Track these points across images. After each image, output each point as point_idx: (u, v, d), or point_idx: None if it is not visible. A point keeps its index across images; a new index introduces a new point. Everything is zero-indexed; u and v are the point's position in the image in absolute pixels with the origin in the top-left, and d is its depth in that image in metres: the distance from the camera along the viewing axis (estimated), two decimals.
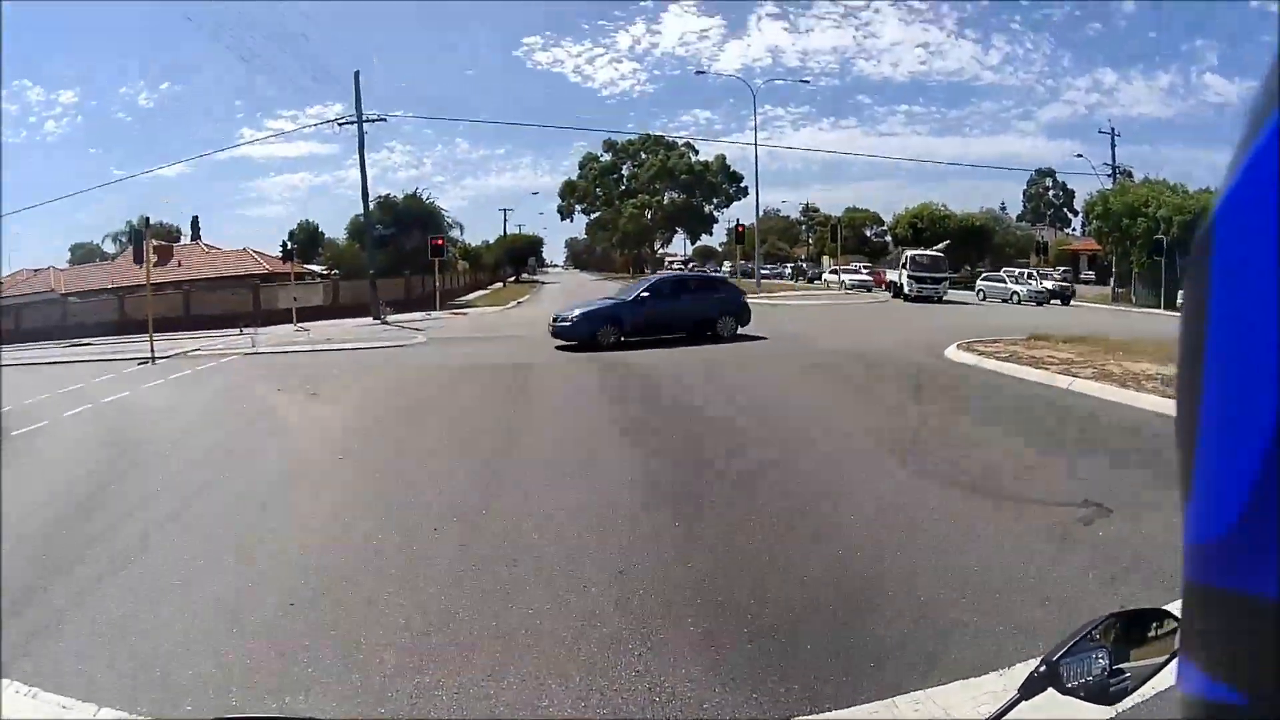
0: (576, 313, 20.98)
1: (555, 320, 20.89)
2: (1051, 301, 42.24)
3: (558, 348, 19.99)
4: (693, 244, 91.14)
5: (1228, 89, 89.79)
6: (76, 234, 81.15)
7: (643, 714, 3.91)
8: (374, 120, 38.93)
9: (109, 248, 60.84)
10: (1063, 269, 58.60)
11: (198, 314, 37.88)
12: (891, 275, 45.24)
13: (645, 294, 21.51)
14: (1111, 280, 50.74)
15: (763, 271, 58.37)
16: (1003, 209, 74.92)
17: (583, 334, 20.25)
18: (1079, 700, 1.30)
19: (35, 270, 51.26)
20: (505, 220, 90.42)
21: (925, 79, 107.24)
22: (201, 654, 4.62)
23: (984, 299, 43.82)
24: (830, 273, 59.05)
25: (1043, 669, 1.27)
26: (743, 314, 22.01)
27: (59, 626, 5.12)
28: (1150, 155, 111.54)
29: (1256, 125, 0.55)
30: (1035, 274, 47.52)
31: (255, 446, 10.66)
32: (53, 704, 4.20)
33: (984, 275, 48.25)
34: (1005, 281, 44.85)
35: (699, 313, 21.55)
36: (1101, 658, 1.30)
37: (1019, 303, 41.25)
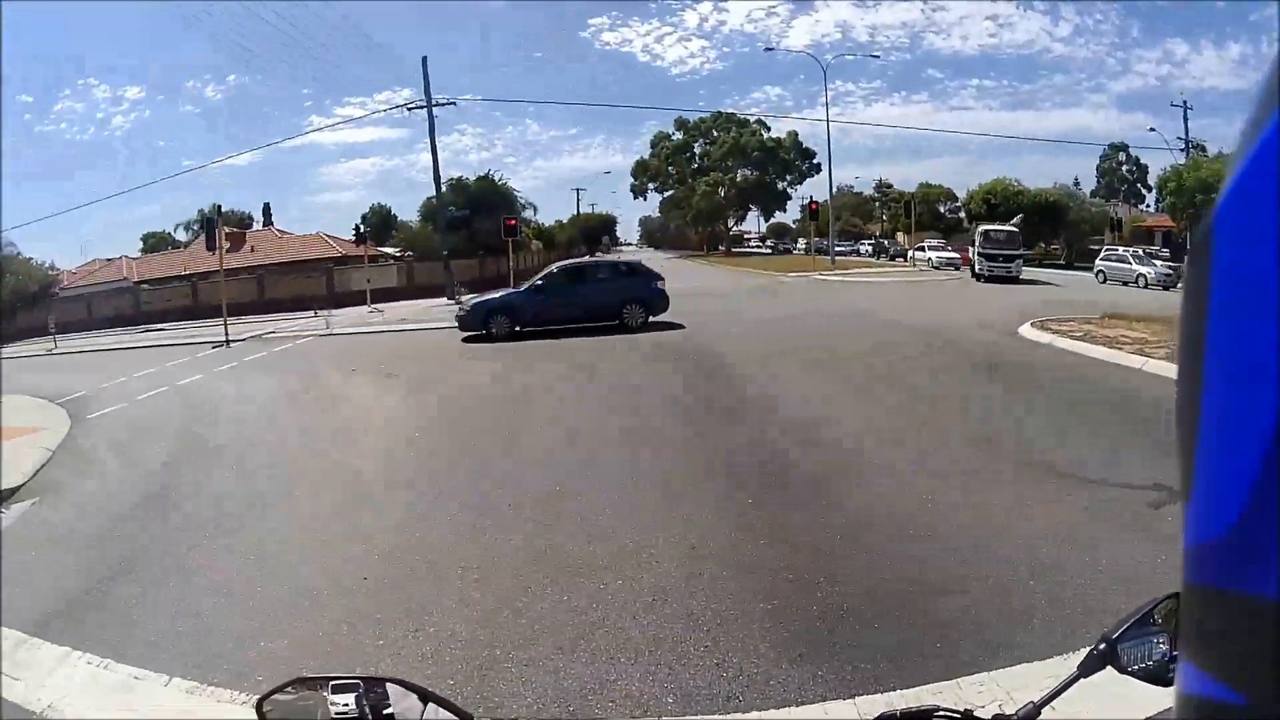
0: (472, 302, 21.03)
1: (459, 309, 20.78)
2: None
3: (463, 339, 19.96)
4: (766, 221, 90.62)
5: None
6: (148, 225, 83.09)
7: (710, 689, 4.04)
8: (443, 104, 39.56)
9: (181, 236, 61.83)
10: (1162, 250, 55.10)
11: (271, 298, 38.81)
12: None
13: (540, 282, 20.98)
14: (1186, 258, 49.08)
15: (838, 248, 57.53)
16: (1076, 184, 71.97)
17: (475, 324, 20.12)
18: (1136, 680, 1.30)
19: (108, 260, 52.58)
20: (578, 200, 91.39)
21: (995, 52, 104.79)
22: (275, 630, 4.91)
23: (1104, 281, 38.59)
24: (916, 249, 54.88)
25: (1102, 647, 1.29)
26: (654, 302, 20.99)
27: (134, 605, 5.45)
28: (1223, 129, 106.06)
29: (1257, 124, 0.54)
30: (1148, 254, 41.88)
31: (330, 426, 11.10)
32: (124, 674, 4.50)
33: (1104, 254, 42.30)
34: (1130, 262, 39.08)
35: (602, 302, 20.71)
36: (1162, 643, 1.31)
37: (1145, 286, 35.96)
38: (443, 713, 1.29)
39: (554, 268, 22.43)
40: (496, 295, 21.44)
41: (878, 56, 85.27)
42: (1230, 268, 0.55)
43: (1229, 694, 0.55)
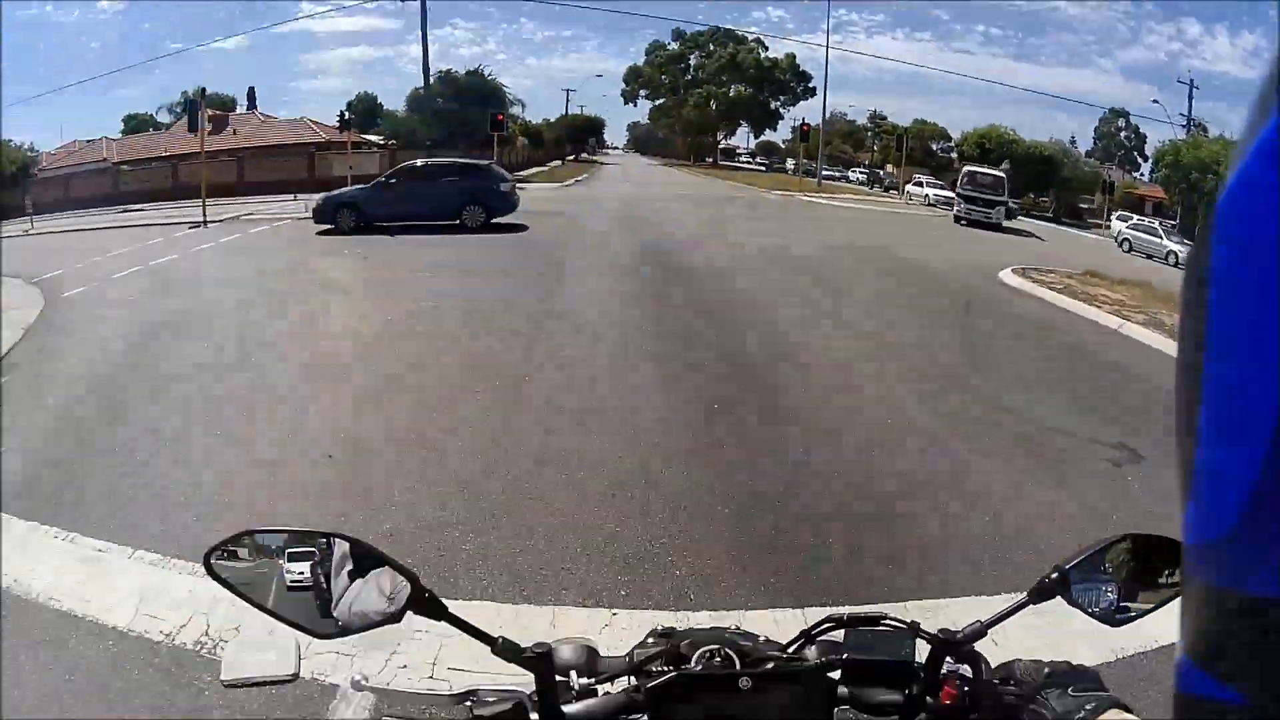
0: (322, 196, 21.67)
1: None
2: None
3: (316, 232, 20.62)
4: (756, 138, 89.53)
5: None
6: (131, 107, 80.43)
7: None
8: None
9: (163, 118, 60.21)
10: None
11: (252, 180, 38.11)
12: None
13: (386, 180, 21.90)
14: (1175, 230, 49.42)
15: (826, 173, 57.15)
16: (1072, 143, 71.71)
17: (326, 217, 20.90)
18: (1082, 620, 1.33)
19: (88, 141, 50.66)
20: (568, 100, 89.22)
21: (1005, 2, 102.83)
22: (237, 505, 5.16)
23: (1129, 250, 35.01)
24: (913, 183, 52.84)
25: (1054, 575, 1.30)
26: (494, 202, 21.52)
27: (99, 478, 5.65)
28: (1227, 114, 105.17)
29: (1258, 120, 0.54)
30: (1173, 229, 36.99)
31: (294, 307, 11.57)
32: (90, 547, 4.69)
33: (1134, 221, 38.21)
34: (1160, 236, 34.98)
35: (443, 200, 21.33)
36: (1111, 591, 1.34)
37: (1176, 265, 31.05)
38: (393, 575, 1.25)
39: (402, 166, 23.21)
40: (346, 190, 22.12)
41: None
42: (1231, 264, 0.55)
43: (1229, 694, 0.56)
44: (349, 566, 1.25)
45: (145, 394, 7.62)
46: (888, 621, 1.30)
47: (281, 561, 1.27)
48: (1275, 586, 0.52)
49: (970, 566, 4.82)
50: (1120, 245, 36.51)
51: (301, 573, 1.25)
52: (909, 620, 1.30)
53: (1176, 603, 0.61)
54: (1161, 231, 35.98)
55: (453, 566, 4.25)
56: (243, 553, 1.31)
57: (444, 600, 1.19)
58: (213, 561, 1.26)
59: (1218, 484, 0.56)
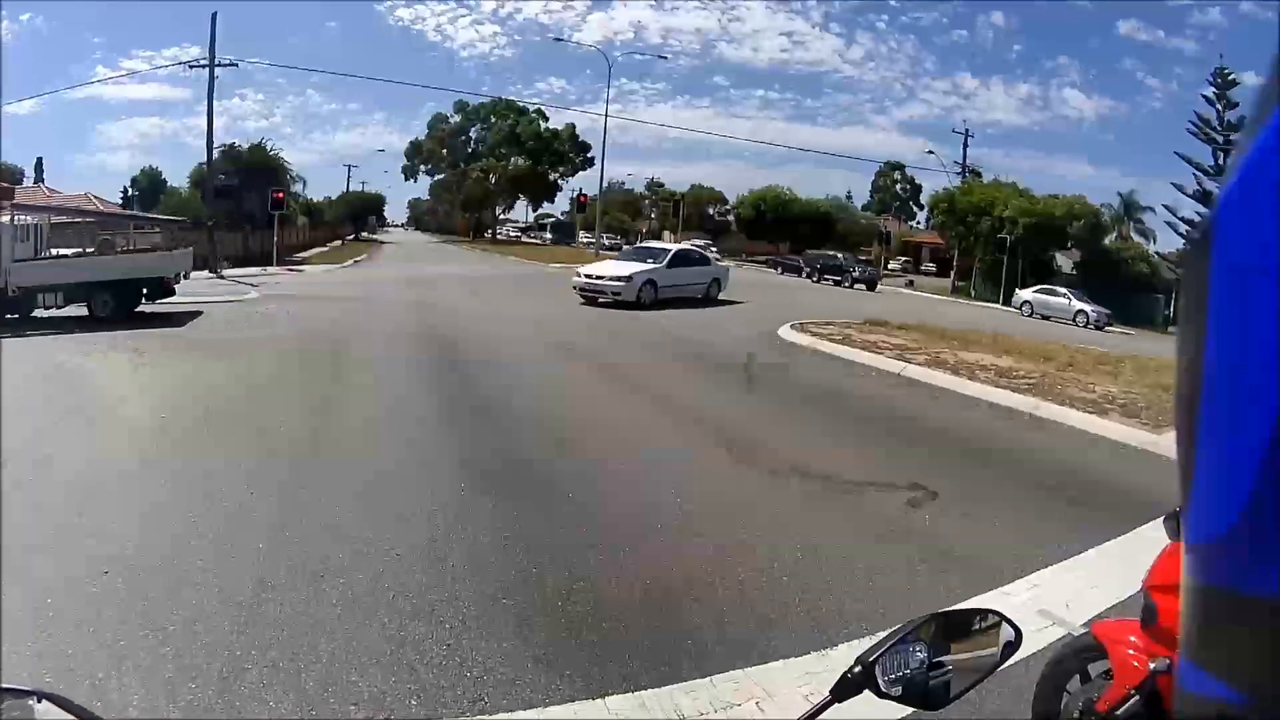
0: None
1: None
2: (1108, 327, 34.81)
3: None
4: (535, 210, 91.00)
5: (1085, 104, 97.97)
6: None
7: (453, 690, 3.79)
8: (226, 65, 37.15)
9: None
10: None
11: None
12: None
13: None
14: (952, 274, 52.85)
15: (604, 242, 58.45)
16: (848, 198, 77.43)
17: None
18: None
19: None
20: (349, 177, 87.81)
21: (784, 68, 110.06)
22: None
23: (1029, 314, 36.55)
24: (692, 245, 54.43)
25: (857, 670, 1.20)
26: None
27: None
28: (1001, 160, 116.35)
29: (1256, 124, 0.54)
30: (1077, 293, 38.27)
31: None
32: None
33: (1037, 287, 39.54)
34: (1068, 299, 36.83)
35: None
36: (920, 650, 1.26)
37: (1086, 325, 34.19)
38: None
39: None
40: None
41: (667, 58, 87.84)
42: (1230, 266, 0.55)
43: (1229, 693, 0.56)
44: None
45: None
46: None
47: None
48: (1275, 586, 0.52)
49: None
50: (1021, 309, 37.65)
51: None
52: None
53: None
54: (1069, 295, 37.35)
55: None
56: None
57: None
58: None
59: (1218, 484, 0.57)
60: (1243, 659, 0.56)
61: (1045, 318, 35.49)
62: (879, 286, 44.11)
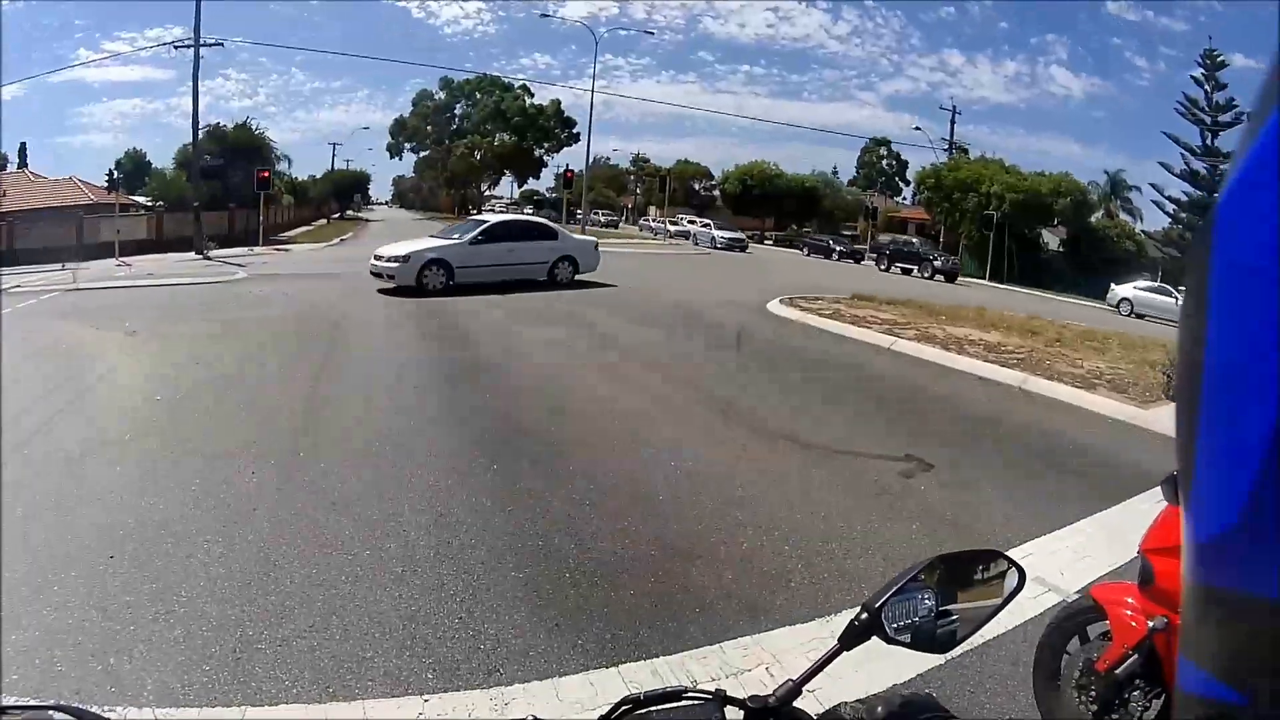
0: None
1: None
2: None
3: None
4: (520, 187, 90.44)
5: (1072, 82, 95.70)
6: None
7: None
8: (210, 45, 36.88)
9: None
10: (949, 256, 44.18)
11: (22, 247, 35.03)
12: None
13: None
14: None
15: (600, 218, 58.31)
16: (834, 173, 76.69)
17: None
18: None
19: None
20: (334, 155, 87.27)
21: (770, 43, 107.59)
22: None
23: (1129, 313, 31.12)
24: (689, 222, 53.92)
25: (864, 616, 1.19)
26: None
27: None
28: (988, 137, 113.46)
29: (1258, 122, 0.54)
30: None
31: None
32: None
33: (1136, 281, 34.41)
34: (1175, 296, 28.83)
35: None
36: (927, 599, 1.24)
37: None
38: None
39: None
40: None
41: (652, 33, 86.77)
42: (1231, 264, 0.55)
43: (1229, 693, 0.56)
44: None
45: None
46: (690, 695, 1.18)
47: None
48: (1275, 586, 0.52)
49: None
50: (1119, 308, 32.18)
51: None
52: (714, 690, 1.19)
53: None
54: (1176, 291, 29.68)
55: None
56: None
57: None
58: None
59: (1218, 484, 0.56)
60: (1243, 659, 0.56)
61: (1141, 316, 29.92)
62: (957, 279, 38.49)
